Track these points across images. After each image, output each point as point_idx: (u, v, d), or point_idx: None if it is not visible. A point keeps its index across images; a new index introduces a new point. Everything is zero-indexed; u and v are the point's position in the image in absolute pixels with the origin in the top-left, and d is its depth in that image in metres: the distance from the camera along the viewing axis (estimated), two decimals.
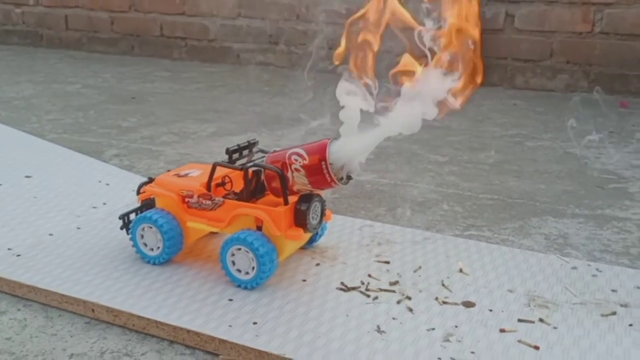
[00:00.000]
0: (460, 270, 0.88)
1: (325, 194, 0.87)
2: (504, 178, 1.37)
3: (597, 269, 0.90)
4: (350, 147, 0.76)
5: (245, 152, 0.88)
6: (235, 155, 0.87)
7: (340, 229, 1.01)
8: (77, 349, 0.71)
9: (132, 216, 0.90)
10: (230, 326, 0.72)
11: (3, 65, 2.71)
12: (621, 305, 0.80)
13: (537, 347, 0.71)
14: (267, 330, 0.72)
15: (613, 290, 0.84)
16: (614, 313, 0.78)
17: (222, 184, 0.86)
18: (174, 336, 0.72)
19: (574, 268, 0.91)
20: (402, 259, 0.91)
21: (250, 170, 0.82)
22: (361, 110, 0.75)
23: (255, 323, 0.73)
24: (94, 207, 1.06)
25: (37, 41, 3.28)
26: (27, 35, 3.30)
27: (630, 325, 0.76)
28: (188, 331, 0.72)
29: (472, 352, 0.69)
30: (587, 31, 2.34)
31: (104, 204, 1.08)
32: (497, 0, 2.43)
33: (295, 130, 1.72)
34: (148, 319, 0.74)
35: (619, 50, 2.31)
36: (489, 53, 2.49)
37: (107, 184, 1.17)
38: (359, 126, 0.75)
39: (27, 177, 1.17)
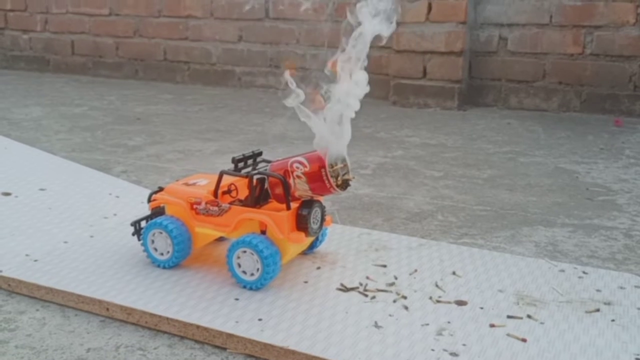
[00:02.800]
0: (454, 273, 0.93)
1: (324, 206, 0.92)
2: (496, 191, 1.42)
3: (584, 272, 0.95)
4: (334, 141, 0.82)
5: (250, 161, 0.94)
6: (241, 165, 0.93)
7: (339, 237, 1.06)
8: (93, 344, 0.76)
9: (143, 223, 0.95)
10: (236, 322, 0.77)
11: (11, 89, 2.79)
12: (605, 303, 0.85)
13: (524, 340, 0.75)
14: (271, 326, 0.77)
15: (598, 290, 0.89)
16: (598, 310, 0.83)
17: (229, 191, 0.91)
18: (184, 332, 0.77)
19: (562, 271, 0.96)
20: (399, 262, 0.96)
21: (255, 178, 0.88)
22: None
23: (260, 319, 0.78)
24: (105, 218, 1.12)
25: (44, 66, 3.36)
26: (34, 61, 3.38)
27: (613, 320, 0.81)
28: (197, 327, 0.76)
29: (464, 345, 0.74)
30: (578, 53, 2.42)
31: (115, 214, 1.14)
32: (491, 24, 2.52)
33: (295, 149, 1.78)
34: (160, 316, 0.78)
35: (609, 71, 2.39)
36: (483, 75, 2.57)
37: (117, 197, 1.23)
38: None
39: (42, 189, 1.23)
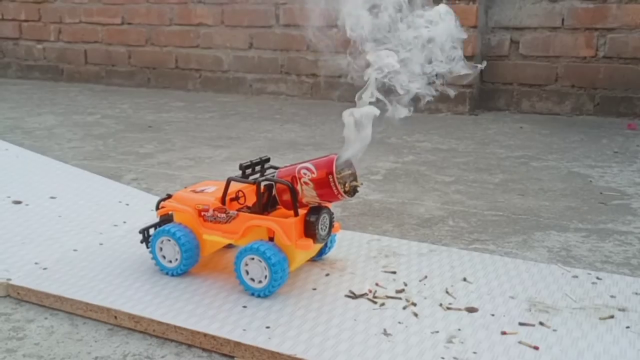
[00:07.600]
0: (465, 279, 0.92)
1: (334, 212, 0.91)
2: (508, 196, 1.41)
3: (597, 277, 0.94)
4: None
5: (258, 167, 0.94)
6: (248, 171, 0.92)
7: (348, 243, 1.05)
8: (101, 352, 0.76)
9: (152, 231, 0.95)
10: (244, 330, 0.77)
11: (25, 99, 2.81)
12: (619, 310, 0.84)
13: (536, 348, 0.74)
14: (279, 334, 0.76)
15: (612, 296, 0.87)
16: (612, 316, 0.82)
17: (236, 198, 0.91)
18: (192, 340, 0.77)
19: (575, 277, 0.94)
20: (408, 269, 0.95)
21: (262, 185, 0.87)
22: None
23: (268, 327, 0.77)
24: (115, 225, 1.12)
25: (57, 75, 3.39)
26: (48, 70, 3.42)
27: (628, 327, 0.79)
28: (205, 335, 0.76)
29: (474, 353, 0.73)
30: (591, 56, 2.40)
31: (124, 222, 1.14)
32: (502, 27, 2.50)
33: (306, 155, 1.78)
34: (167, 324, 0.78)
35: (623, 73, 2.36)
36: (495, 79, 2.55)
37: (127, 204, 1.23)
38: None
39: (52, 197, 1.23)
